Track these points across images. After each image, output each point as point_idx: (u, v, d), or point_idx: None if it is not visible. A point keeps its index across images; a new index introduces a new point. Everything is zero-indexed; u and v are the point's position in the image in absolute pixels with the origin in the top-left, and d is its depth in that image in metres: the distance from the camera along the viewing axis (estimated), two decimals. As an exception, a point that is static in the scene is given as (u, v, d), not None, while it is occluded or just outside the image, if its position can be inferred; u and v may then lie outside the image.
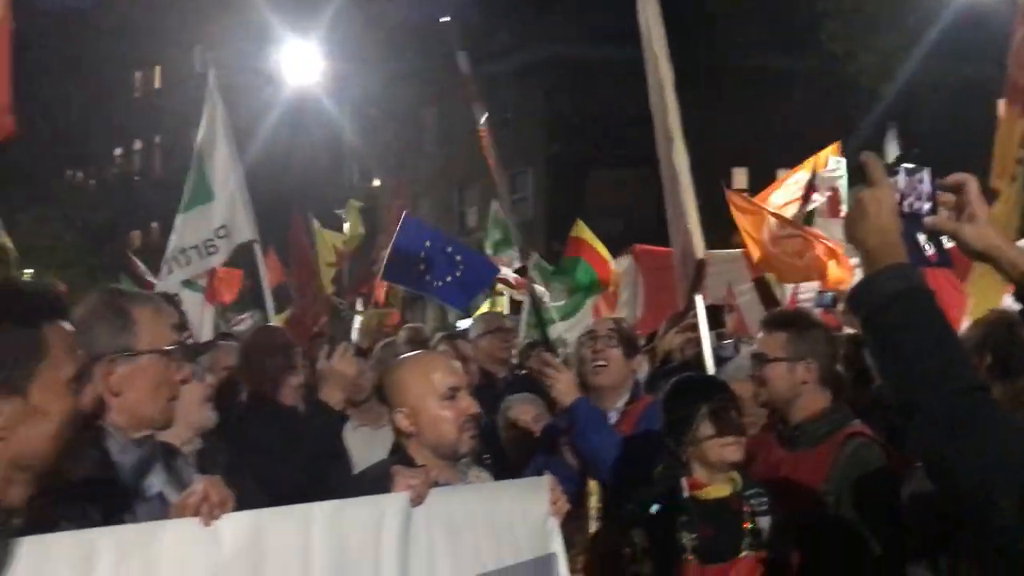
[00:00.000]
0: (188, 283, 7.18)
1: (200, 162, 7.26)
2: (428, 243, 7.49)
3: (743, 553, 3.18)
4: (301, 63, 22.88)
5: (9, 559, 1.53)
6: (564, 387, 3.74)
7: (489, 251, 10.23)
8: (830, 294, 4.23)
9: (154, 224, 43.61)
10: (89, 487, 1.90)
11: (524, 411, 3.68)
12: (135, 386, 2.22)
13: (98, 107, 38.04)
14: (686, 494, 3.22)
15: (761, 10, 26.54)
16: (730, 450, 3.23)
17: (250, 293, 10.79)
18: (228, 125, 7.24)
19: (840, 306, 4.07)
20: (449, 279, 7.45)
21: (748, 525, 3.23)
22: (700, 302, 3.77)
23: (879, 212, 1.74)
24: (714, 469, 3.26)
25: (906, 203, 1.77)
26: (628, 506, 3.20)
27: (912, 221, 1.78)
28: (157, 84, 43.70)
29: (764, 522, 3.27)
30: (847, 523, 3.30)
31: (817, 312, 4.84)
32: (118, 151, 46.37)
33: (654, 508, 3.20)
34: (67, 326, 1.76)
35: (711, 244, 5.00)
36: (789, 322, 3.67)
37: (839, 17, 22.01)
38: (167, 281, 7.22)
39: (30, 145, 31.98)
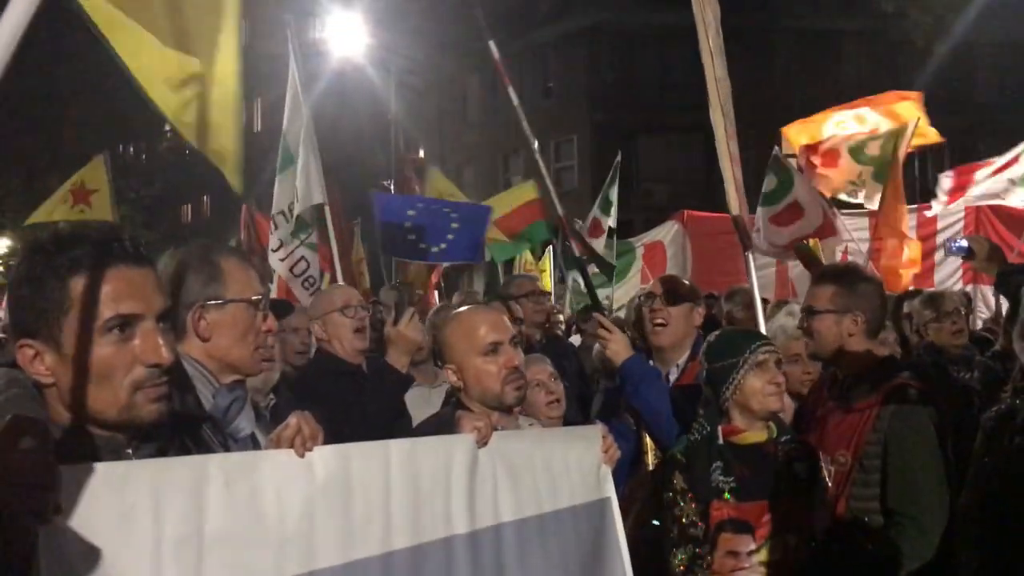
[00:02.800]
0: (310, 245, 7.23)
1: (285, 126, 7.34)
2: (412, 212, 7.27)
3: (780, 494, 3.27)
4: (345, 34, 23.04)
5: (127, 483, 1.64)
6: (618, 346, 3.81)
7: None
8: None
9: (205, 197, 44.19)
10: (188, 426, 2.04)
11: (540, 371, 3.83)
12: (224, 333, 2.32)
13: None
14: (720, 441, 3.35)
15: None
16: (772, 399, 3.35)
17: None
18: (301, 88, 7.25)
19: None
20: (446, 241, 7.26)
21: (784, 468, 3.33)
22: (750, 259, 3.85)
23: None
24: (754, 417, 3.37)
25: None
26: (667, 452, 3.38)
27: None
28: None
29: (800, 467, 3.37)
30: (894, 474, 3.35)
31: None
32: (167, 125, 46.89)
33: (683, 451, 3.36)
34: (109, 272, 1.74)
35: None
36: (838, 275, 3.73)
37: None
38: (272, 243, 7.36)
39: (84, 123, 32.48)
